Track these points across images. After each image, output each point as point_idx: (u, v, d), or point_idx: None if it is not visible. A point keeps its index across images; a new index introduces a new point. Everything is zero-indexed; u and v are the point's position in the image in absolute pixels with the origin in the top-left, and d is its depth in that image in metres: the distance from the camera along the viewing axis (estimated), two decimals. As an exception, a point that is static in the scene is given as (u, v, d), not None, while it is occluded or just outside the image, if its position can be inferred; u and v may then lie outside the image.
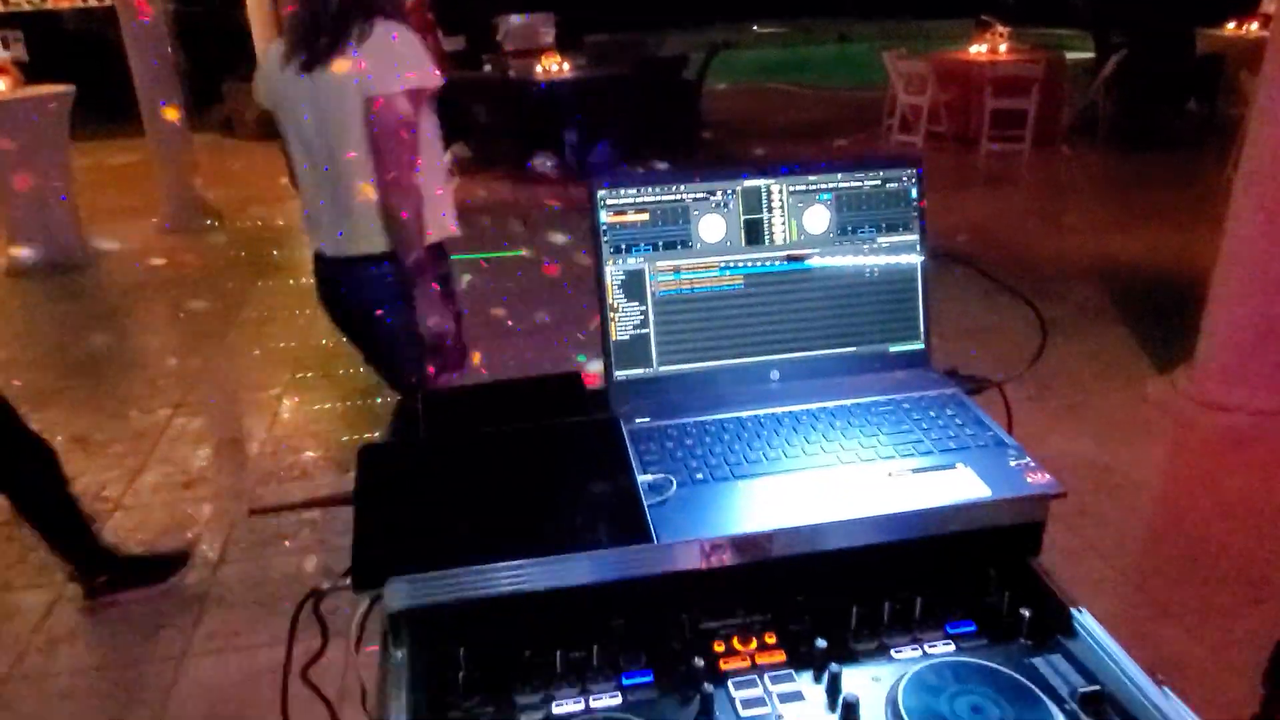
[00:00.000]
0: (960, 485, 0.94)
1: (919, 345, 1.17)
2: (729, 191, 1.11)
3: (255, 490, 3.48)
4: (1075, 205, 6.95)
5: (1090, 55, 10.40)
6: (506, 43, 12.98)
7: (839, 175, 1.13)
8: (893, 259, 1.15)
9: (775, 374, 1.14)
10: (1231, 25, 9.55)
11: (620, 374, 1.12)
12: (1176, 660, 2.36)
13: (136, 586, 2.85)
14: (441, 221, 2.36)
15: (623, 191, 1.09)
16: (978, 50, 8.57)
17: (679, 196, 1.10)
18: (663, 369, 1.12)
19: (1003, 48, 8.56)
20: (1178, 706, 0.80)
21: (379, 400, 4.03)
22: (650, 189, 1.10)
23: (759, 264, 1.13)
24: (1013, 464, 0.97)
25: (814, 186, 1.13)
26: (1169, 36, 9.18)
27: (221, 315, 5.21)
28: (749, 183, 1.12)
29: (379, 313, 2.34)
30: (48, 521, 2.74)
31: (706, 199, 1.11)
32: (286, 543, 3.13)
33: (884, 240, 1.15)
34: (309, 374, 4.39)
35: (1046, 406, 3.75)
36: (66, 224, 6.15)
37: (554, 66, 8.51)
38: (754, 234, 1.12)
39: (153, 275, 6.04)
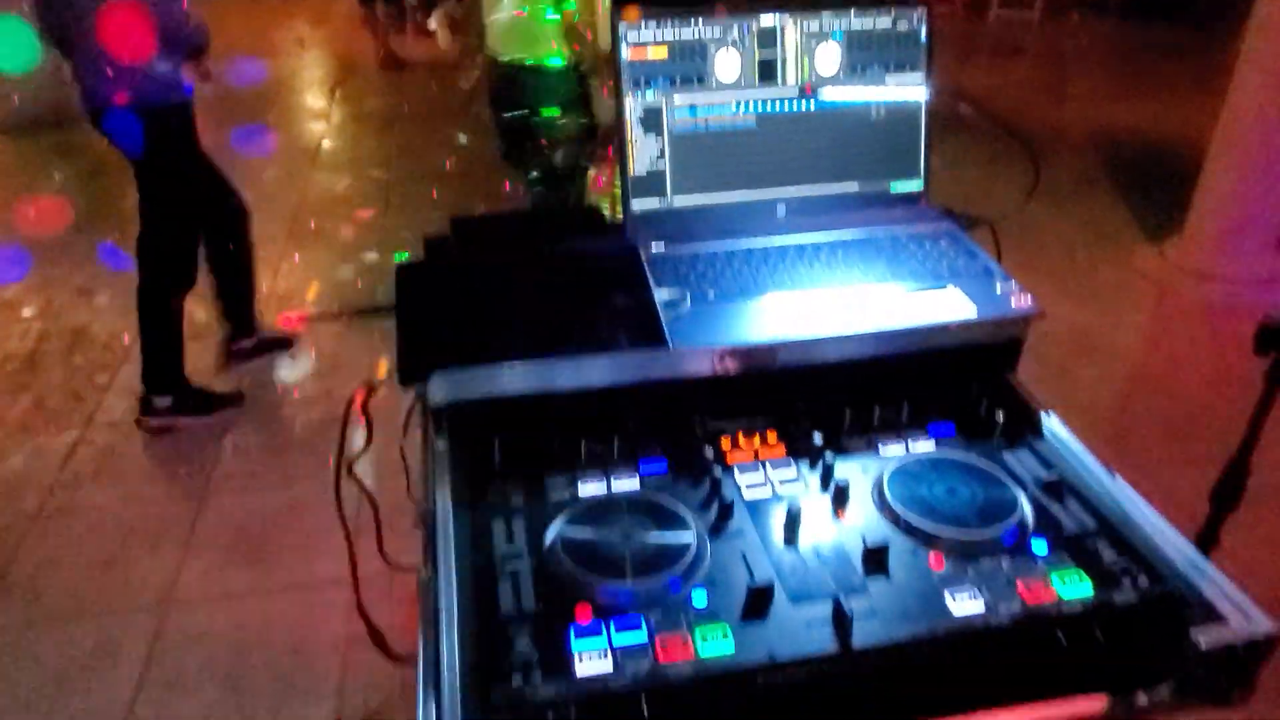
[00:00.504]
0: (950, 305, 1.03)
1: (919, 184, 1.24)
2: (745, 29, 1.15)
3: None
4: (1082, 74, 6.83)
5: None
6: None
7: (850, 13, 1.17)
8: (898, 98, 1.20)
9: (782, 208, 1.21)
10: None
11: (637, 205, 1.18)
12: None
13: (194, 414, 3.04)
14: None
15: (643, 27, 1.13)
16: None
17: (697, 34, 1.14)
18: (677, 201, 1.19)
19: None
20: (1129, 492, 0.92)
21: (369, 262, 4.09)
22: (670, 25, 1.13)
23: (771, 102, 1.18)
24: (999, 289, 1.06)
25: (826, 25, 1.17)
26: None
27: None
28: (764, 21, 1.15)
29: None
30: (228, 274, 3.23)
31: (723, 37, 1.15)
32: (293, 393, 3.25)
33: (891, 80, 1.19)
34: (305, 230, 4.42)
35: (1036, 272, 3.81)
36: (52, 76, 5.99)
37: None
38: (768, 72, 1.17)
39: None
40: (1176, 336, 3.48)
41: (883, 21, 1.18)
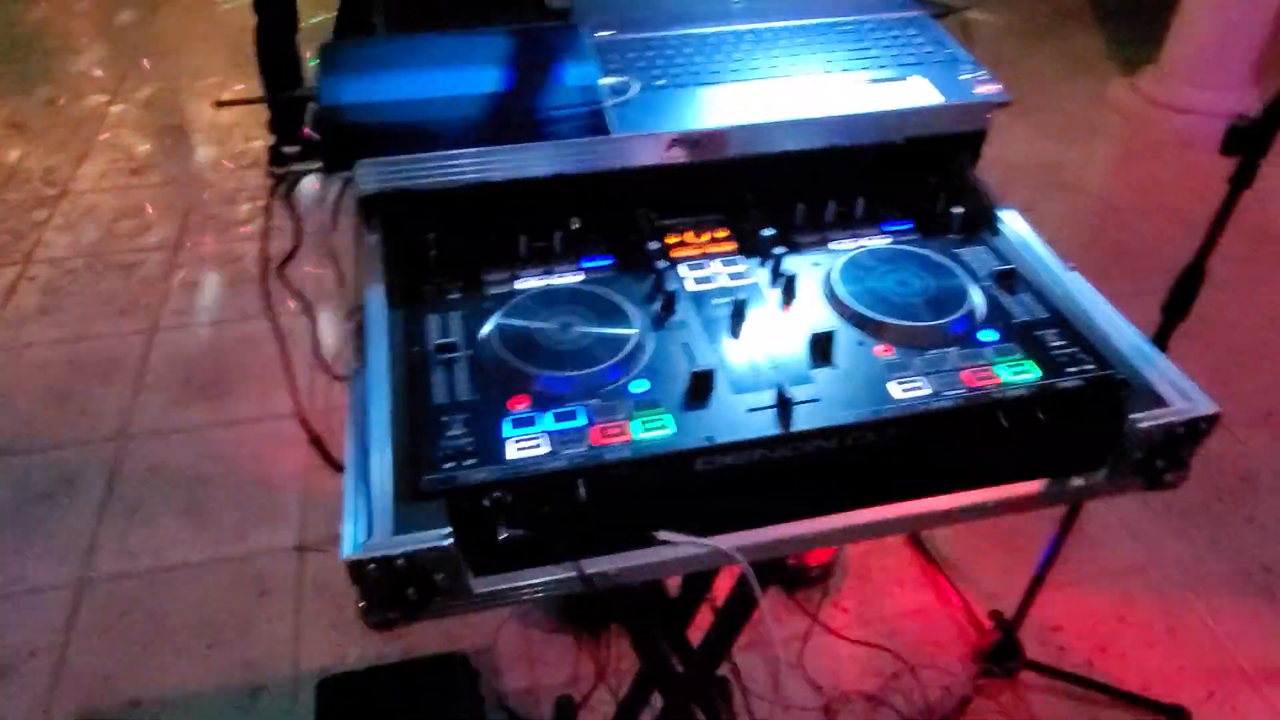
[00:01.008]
0: (913, 92, 0.97)
1: (885, -33, 1.15)
2: None
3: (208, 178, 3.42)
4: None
5: None
6: None
7: None
8: None
9: (741, -7, 1.12)
10: None
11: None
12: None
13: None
14: None
15: None
16: None
17: None
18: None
19: None
20: (1083, 285, 0.90)
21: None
22: None
23: None
24: (964, 77, 1.00)
25: None
26: None
27: (144, 3, 4.81)
28: None
29: None
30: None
31: None
32: (243, 228, 3.14)
33: None
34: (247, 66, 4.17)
35: (1008, 106, 3.74)
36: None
37: None
38: None
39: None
40: (1146, 171, 3.44)
41: None
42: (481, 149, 0.88)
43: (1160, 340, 1.31)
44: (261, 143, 3.58)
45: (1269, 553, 2.08)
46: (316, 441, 1.01)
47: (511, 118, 0.91)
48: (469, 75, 0.96)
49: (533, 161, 0.90)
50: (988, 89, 0.98)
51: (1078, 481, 0.82)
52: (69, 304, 2.81)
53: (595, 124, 0.91)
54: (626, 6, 1.10)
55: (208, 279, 2.90)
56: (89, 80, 4.05)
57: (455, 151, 0.88)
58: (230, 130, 3.64)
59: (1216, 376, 2.18)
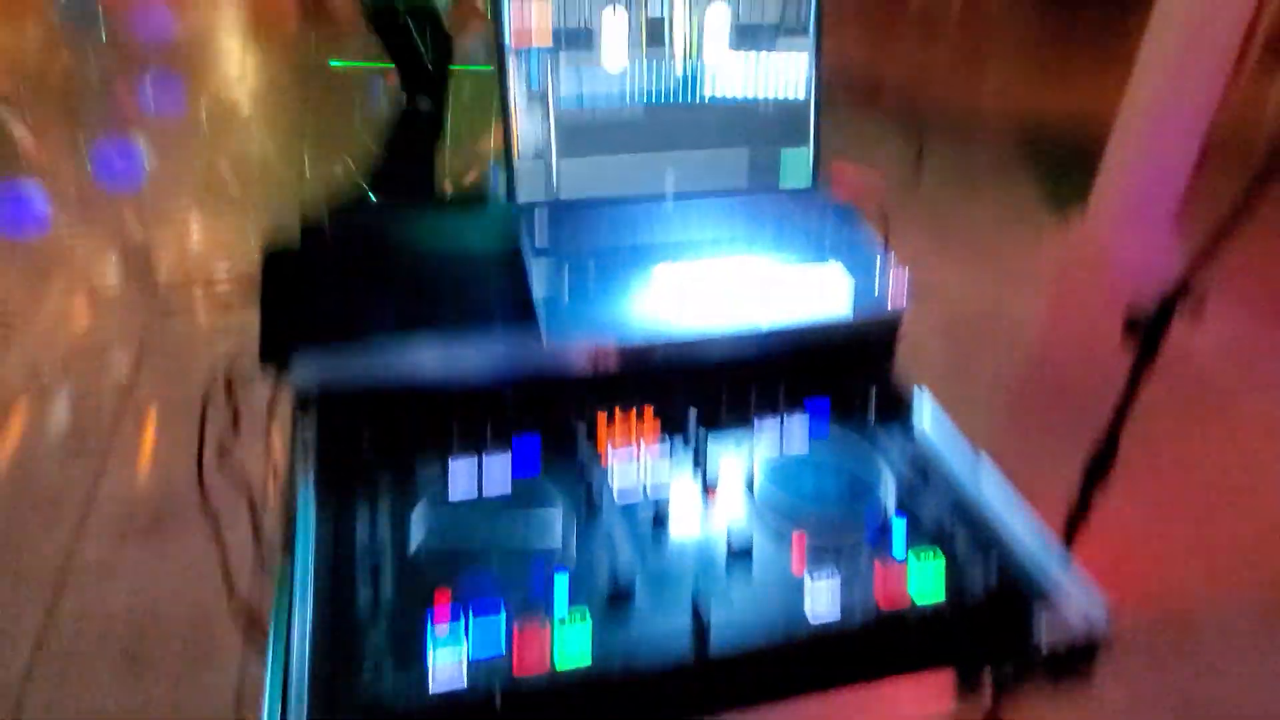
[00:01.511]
0: (828, 287, 1.03)
1: (807, 154, 1.23)
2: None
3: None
4: (999, 54, 6.96)
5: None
6: None
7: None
8: (788, 63, 1.18)
9: (671, 174, 1.19)
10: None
11: (521, 166, 1.14)
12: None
13: None
14: None
15: (528, -6, 1.09)
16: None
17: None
18: (563, 166, 1.16)
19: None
20: (995, 478, 0.94)
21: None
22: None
23: (660, 63, 1.15)
24: (879, 270, 1.06)
25: (714, -4, 1.14)
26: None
27: (123, 130, 4.92)
28: (652, -10, 1.13)
29: None
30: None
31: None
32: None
33: (781, 42, 1.18)
34: (218, 199, 4.25)
35: (948, 250, 3.92)
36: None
37: None
38: (656, 35, 1.14)
39: (46, 77, 5.63)
40: (1078, 316, 3.59)
41: (772, -2, 1.16)
42: (415, 348, 0.92)
43: (1082, 501, 1.36)
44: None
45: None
46: (252, 623, 1.00)
47: (447, 314, 0.96)
48: (406, 269, 1.01)
49: (466, 363, 0.93)
50: (899, 289, 1.04)
51: (986, 679, 0.84)
52: (10, 438, 2.77)
53: (528, 325, 0.96)
54: (561, 183, 1.16)
55: (157, 416, 2.88)
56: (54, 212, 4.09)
57: (389, 349, 0.91)
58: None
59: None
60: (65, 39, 6.49)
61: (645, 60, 1.15)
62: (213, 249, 3.81)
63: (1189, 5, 3.31)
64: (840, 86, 4.77)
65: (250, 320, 0.91)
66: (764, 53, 1.17)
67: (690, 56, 1.16)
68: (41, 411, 2.89)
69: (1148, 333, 1.15)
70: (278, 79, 6.03)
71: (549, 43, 1.11)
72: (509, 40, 1.11)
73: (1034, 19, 8.03)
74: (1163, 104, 3.49)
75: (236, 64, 6.25)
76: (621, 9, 1.12)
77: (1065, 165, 4.69)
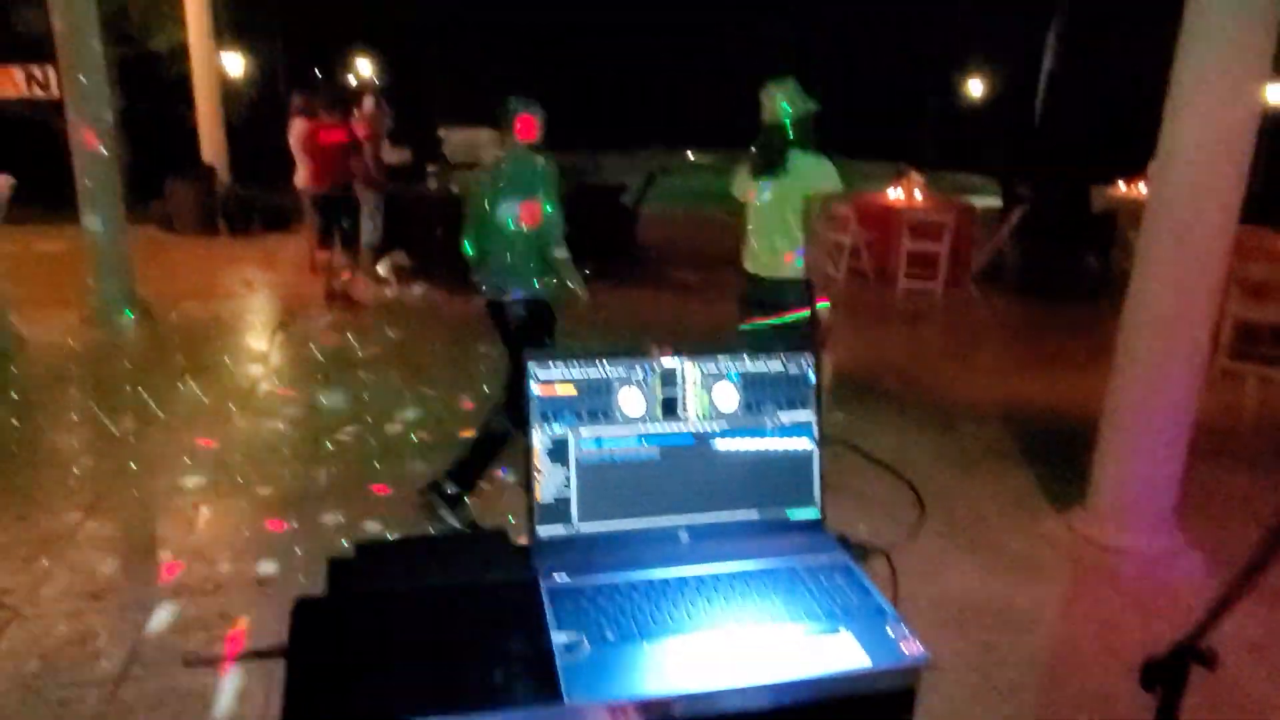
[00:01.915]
0: (842, 653, 1.05)
1: (815, 512, 1.30)
2: (647, 369, 1.25)
3: (186, 644, 3.39)
4: (983, 345, 7.38)
5: (998, 204, 11.22)
6: (452, 155, 13.38)
7: (744, 357, 1.28)
8: (791, 433, 1.29)
9: (685, 535, 1.26)
10: (1122, 185, 10.45)
11: (543, 531, 1.22)
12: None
13: (454, 512, 3.82)
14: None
15: (552, 365, 1.22)
16: (895, 195, 9.18)
17: (603, 373, 1.23)
18: (582, 527, 1.23)
19: (918, 194, 9.19)
20: None
21: (294, 524, 4.02)
22: (577, 364, 1.23)
23: (673, 435, 1.25)
24: (890, 633, 1.09)
25: (722, 367, 1.27)
26: (1066, 192, 10.00)
27: (140, 414, 5.12)
28: (665, 362, 1.25)
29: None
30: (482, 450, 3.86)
31: (627, 376, 1.24)
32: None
33: (784, 416, 1.29)
34: (225, 480, 4.34)
35: (954, 542, 3.93)
36: (-13, 312, 6.04)
37: (497, 184, 8.79)
38: (669, 408, 1.26)
39: (73, 369, 5.93)
40: (1089, 611, 3.54)
41: (774, 365, 1.29)
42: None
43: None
44: (225, 567, 3.62)
45: None
46: None
47: (468, 683, 0.97)
48: (428, 636, 1.03)
49: (485, 727, 0.94)
50: (912, 649, 1.06)
51: None
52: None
53: (547, 685, 0.97)
54: (582, 547, 1.22)
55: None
56: (66, 495, 4.15)
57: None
58: (191, 559, 3.69)
59: None
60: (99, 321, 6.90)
61: (660, 425, 1.25)
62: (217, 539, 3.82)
63: (1159, 301, 3.56)
64: (838, 376, 5.03)
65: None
66: (769, 421, 1.28)
67: (701, 424, 1.26)
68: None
69: (1169, 676, 1.14)
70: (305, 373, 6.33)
71: (571, 408, 1.22)
72: (533, 400, 1.22)
73: (1018, 310, 8.59)
74: (1144, 399, 3.65)
75: (262, 355, 6.59)
76: (636, 389, 1.24)
77: (1058, 453, 4.82)
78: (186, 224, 11.08)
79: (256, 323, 7.40)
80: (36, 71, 10.02)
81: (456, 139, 20.43)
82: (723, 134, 26.67)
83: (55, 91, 9.78)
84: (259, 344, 6.76)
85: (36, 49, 11.52)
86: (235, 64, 12.78)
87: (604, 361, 1.23)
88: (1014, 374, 6.44)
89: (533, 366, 1.21)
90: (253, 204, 11.55)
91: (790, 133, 3.80)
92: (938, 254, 8.44)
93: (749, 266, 4.01)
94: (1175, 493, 3.79)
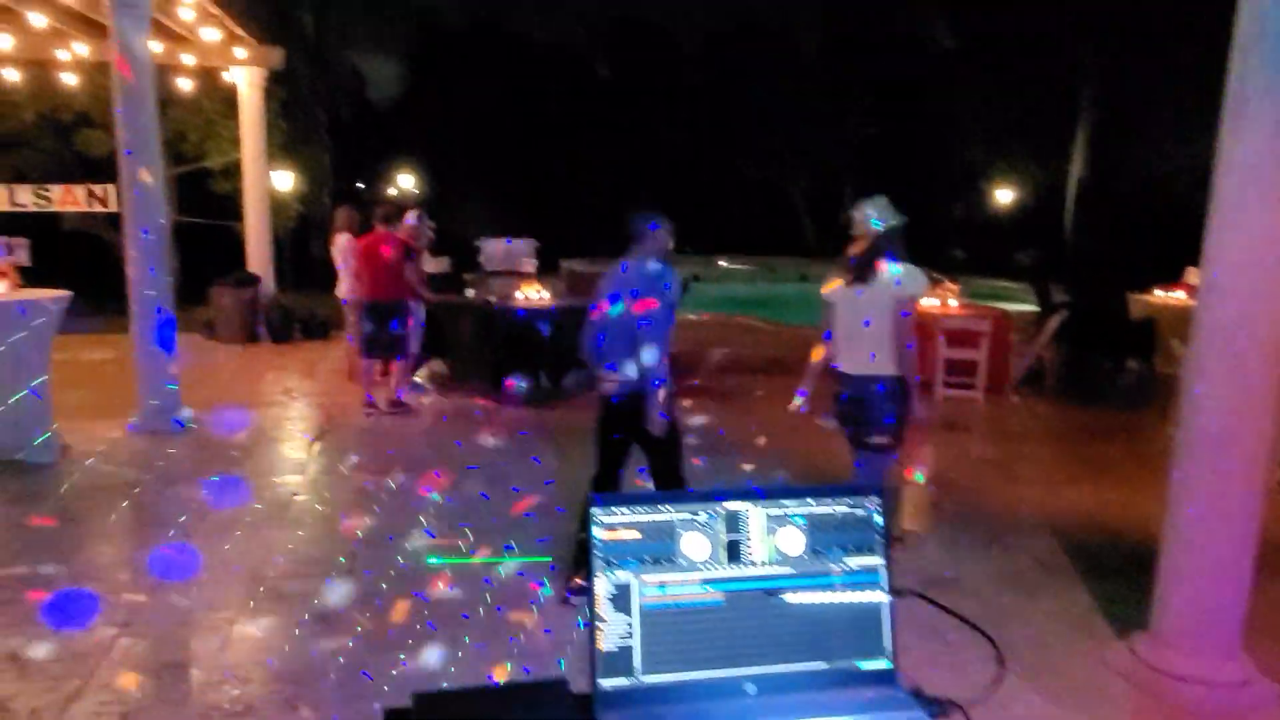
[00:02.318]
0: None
1: (886, 663, 1.24)
2: (711, 513, 1.22)
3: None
4: (1027, 454, 7.22)
5: (1033, 310, 11.19)
6: (488, 264, 13.72)
7: (809, 500, 1.25)
8: (859, 579, 1.24)
9: (751, 687, 1.20)
10: (1159, 292, 10.40)
11: (605, 683, 1.17)
12: None
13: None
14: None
15: (615, 510, 1.19)
16: (930, 303, 9.19)
17: (665, 517, 1.21)
18: (645, 679, 1.18)
19: (953, 301, 9.20)
20: None
21: (328, 644, 3.95)
22: (640, 508, 1.20)
23: (738, 581, 1.21)
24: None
25: (786, 511, 1.24)
26: (1104, 297, 9.96)
27: (181, 526, 5.13)
28: (729, 505, 1.23)
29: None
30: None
31: (691, 519, 1.21)
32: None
33: (852, 561, 1.25)
34: (264, 598, 4.29)
35: (1012, 668, 3.75)
36: (36, 419, 6.15)
37: (533, 294, 8.97)
38: (734, 552, 1.22)
39: (116, 478, 5.99)
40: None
41: (839, 508, 1.25)
42: None
43: None
44: (257, 688, 3.54)
45: None
46: None
47: None
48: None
49: None
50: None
51: None
52: None
53: None
54: (645, 699, 1.17)
55: None
56: (101, 609, 4.12)
57: None
58: (224, 678, 3.62)
59: None
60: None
61: (725, 570, 1.21)
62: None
63: (1214, 422, 3.46)
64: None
65: None
66: (837, 567, 1.24)
67: (766, 569, 1.23)
68: None
69: None
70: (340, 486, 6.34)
71: (634, 553, 1.19)
72: (596, 544, 1.19)
73: (1061, 417, 8.44)
74: (1204, 521, 3.52)
75: (300, 463, 6.62)
76: (700, 533, 1.21)
77: (1115, 571, 4.65)
78: (230, 331, 11.35)
79: (296, 431, 7.46)
80: (97, 189, 10.54)
81: (492, 249, 21.03)
82: (755, 241, 27.20)
83: (114, 207, 10.26)
84: (298, 453, 6.80)
85: (94, 169, 12.16)
86: (284, 180, 13.31)
87: (668, 504, 1.21)
88: (1063, 484, 6.28)
89: (596, 511, 1.19)
90: (294, 313, 11.84)
91: (881, 244, 4.31)
92: (976, 361, 8.38)
93: (843, 367, 4.39)
94: (1241, 617, 3.61)
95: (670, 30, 32.10)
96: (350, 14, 18.99)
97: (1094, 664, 3.82)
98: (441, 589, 4.33)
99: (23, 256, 7.33)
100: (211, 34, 10.26)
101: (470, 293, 10.32)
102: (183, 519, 5.20)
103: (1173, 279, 10.52)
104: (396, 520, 5.24)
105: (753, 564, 1.22)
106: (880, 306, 4.20)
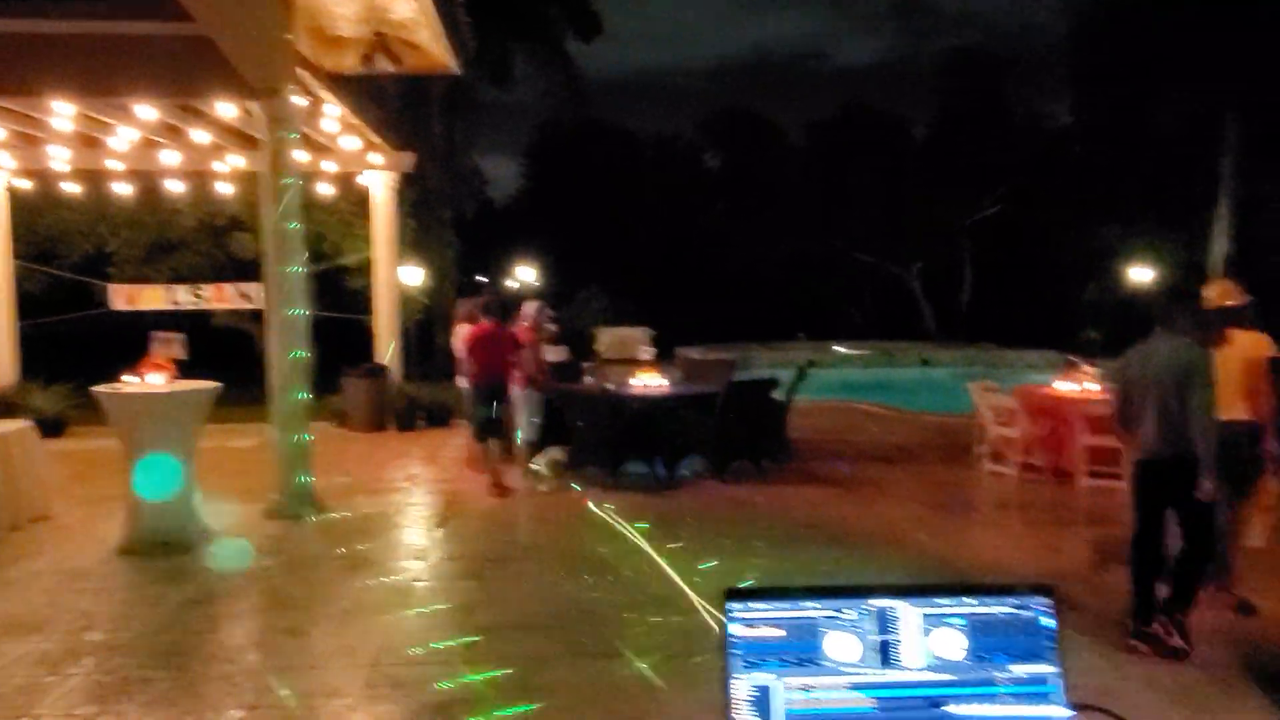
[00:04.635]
0: None
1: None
2: (860, 611, 1.12)
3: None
4: (1185, 550, 6.61)
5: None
6: (606, 352, 13.93)
7: (968, 600, 1.13)
8: (1028, 689, 1.11)
9: (908, 806, 1.08)
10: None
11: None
12: None
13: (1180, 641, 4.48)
14: None
15: (753, 605, 1.11)
16: (1065, 387, 8.73)
17: (809, 613, 1.12)
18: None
19: (1090, 385, 8.70)
20: None
21: (454, 722, 3.89)
22: (781, 604, 1.12)
23: (891, 685, 1.11)
24: None
25: (943, 610, 1.13)
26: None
27: (309, 610, 5.24)
28: (878, 603, 1.13)
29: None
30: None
31: (836, 617, 1.12)
32: None
33: (1018, 669, 1.12)
34: (383, 685, 4.30)
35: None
36: (182, 505, 6.48)
37: (651, 381, 8.99)
38: (885, 654, 1.11)
39: (252, 562, 6.21)
40: None
41: (1003, 609, 1.13)
42: None
43: None
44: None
45: None
46: None
47: None
48: None
49: None
50: None
51: None
52: None
53: None
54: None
55: None
56: (230, 691, 4.21)
57: None
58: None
59: None
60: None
61: (877, 674, 1.11)
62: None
63: None
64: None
65: None
66: (1000, 674, 1.11)
67: (922, 675, 1.11)
68: None
69: None
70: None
71: (776, 653, 1.10)
72: (733, 641, 1.11)
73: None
74: None
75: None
76: (847, 633, 1.12)
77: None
78: (359, 420, 11.80)
79: (420, 518, 7.60)
80: (247, 289, 11.26)
81: (608, 338, 21.45)
82: (874, 328, 26.73)
83: (260, 304, 10.97)
84: (420, 540, 6.91)
85: (243, 269, 13.09)
86: (412, 275, 13.97)
87: (811, 601, 1.12)
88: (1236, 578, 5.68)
89: (733, 606, 1.11)
90: (419, 402, 12.24)
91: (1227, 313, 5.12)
92: (1121, 449, 7.84)
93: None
94: None
95: (777, 119, 32.58)
96: (475, 118, 20.10)
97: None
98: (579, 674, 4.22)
99: (179, 350, 7.86)
100: (352, 142, 11.01)
101: (588, 380, 10.45)
102: (314, 604, 5.32)
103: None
104: (524, 611, 5.20)
105: (907, 668, 1.11)
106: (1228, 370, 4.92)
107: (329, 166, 11.93)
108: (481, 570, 6.03)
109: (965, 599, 1.13)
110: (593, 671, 4.37)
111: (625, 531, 6.72)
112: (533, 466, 8.82)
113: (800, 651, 1.10)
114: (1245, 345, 5.15)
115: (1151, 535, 4.73)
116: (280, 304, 7.34)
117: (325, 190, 12.60)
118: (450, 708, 4.02)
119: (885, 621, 1.12)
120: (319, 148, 11.17)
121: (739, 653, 1.10)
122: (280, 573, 5.99)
